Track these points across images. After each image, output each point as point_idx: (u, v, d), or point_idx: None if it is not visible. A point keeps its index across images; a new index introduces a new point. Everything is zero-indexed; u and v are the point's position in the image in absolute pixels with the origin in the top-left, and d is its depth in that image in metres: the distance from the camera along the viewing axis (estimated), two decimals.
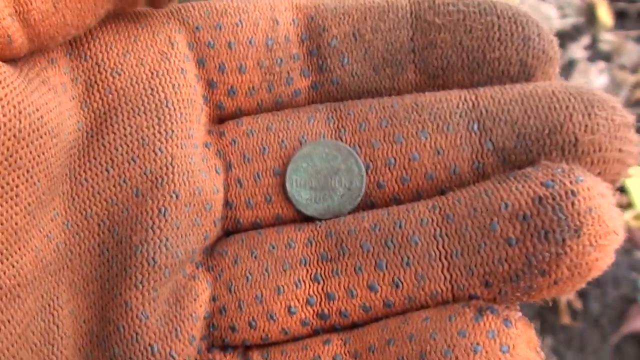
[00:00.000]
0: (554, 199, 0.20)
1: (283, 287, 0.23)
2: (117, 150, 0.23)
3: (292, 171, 0.24)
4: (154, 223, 0.22)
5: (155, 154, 0.23)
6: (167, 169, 0.23)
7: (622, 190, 0.81)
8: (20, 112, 0.20)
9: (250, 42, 0.25)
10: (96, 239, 0.23)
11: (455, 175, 0.23)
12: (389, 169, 0.23)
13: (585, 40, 0.99)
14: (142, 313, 0.22)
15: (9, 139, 0.19)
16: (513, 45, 0.23)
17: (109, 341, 0.22)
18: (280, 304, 0.22)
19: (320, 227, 0.23)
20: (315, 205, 0.24)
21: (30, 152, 0.20)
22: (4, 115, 0.19)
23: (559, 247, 0.20)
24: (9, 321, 0.20)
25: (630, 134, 0.22)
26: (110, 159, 0.23)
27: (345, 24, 0.25)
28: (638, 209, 0.79)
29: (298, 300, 0.22)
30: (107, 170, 0.23)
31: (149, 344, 0.22)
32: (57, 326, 0.22)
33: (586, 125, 0.21)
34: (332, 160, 0.24)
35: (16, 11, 0.20)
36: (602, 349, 0.72)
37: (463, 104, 0.23)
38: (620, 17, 1.02)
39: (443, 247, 0.21)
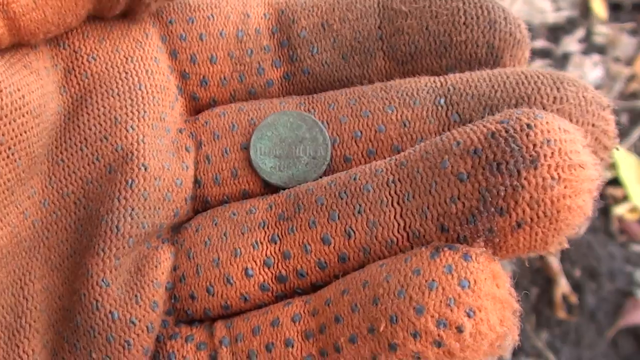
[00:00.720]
0: (507, 131, 0.19)
1: (240, 249, 0.22)
2: (90, 129, 0.24)
3: (257, 139, 0.24)
4: (120, 194, 0.23)
5: (127, 131, 0.23)
6: (138, 144, 0.23)
7: (617, 182, 0.81)
8: (0, 91, 0.20)
9: (220, 34, 0.26)
10: (72, 217, 0.23)
11: None
12: (355, 141, 0.23)
13: (579, 33, 0.99)
14: (102, 280, 0.22)
15: None
16: (479, 28, 0.24)
17: (73, 311, 0.22)
18: (237, 266, 0.22)
19: (282, 193, 0.23)
20: (280, 174, 0.24)
21: (13, 130, 0.21)
22: None
23: (514, 179, 0.18)
24: None
25: (604, 113, 0.21)
26: (85, 138, 0.24)
27: (314, 15, 0.26)
28: (633, 201, 0.78)
29: (255, 262, 0.22)
30: (81, 149, 0.24)
31: (110, 311, 0.22)
32: (27, 300, 0.22)
33: (554, 97, 0.21)
34: (296, 129, 0.24)
35: None
36: (598, 343, 0.71)
37: (432, 83, 0.23)
38: (615, 10, 1.02)
39: (395, 192, 0.20)
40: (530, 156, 0.18)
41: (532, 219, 0.18)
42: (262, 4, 0.27)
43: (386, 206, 0.20)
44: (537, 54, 0.95)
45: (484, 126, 0.20)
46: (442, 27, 0.24)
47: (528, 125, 0.19)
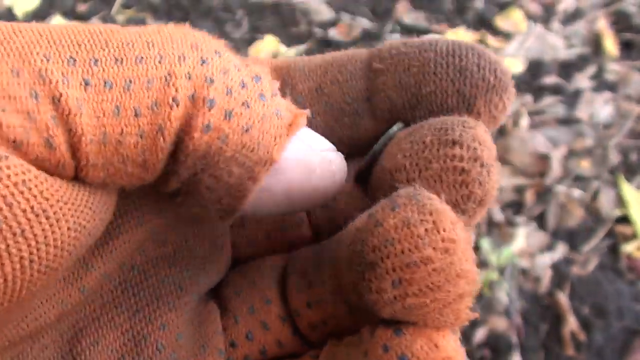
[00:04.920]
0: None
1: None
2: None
3: None
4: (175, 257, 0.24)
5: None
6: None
7: (626, 220, 0.81)
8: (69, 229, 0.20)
9: None
10: (117, 279, 0.23)
11: None
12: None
13: (591, 70, 0.99)
14: (177, 334, 0.23)
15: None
16: (448, 76, 0.23)
17: None
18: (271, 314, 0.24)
19: None
20: None
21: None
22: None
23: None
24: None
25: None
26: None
27: (310, 80, 0.25)
28: None
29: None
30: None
31: None
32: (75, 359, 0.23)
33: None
34: None
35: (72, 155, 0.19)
36: None
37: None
38: (626, 48, 1.03)
39: None
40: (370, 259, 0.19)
41: None
42: (267, 70, 0.26)
43: None
44: (548, 90, 0.96)
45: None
46: (413, 79, 0.23)
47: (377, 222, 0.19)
